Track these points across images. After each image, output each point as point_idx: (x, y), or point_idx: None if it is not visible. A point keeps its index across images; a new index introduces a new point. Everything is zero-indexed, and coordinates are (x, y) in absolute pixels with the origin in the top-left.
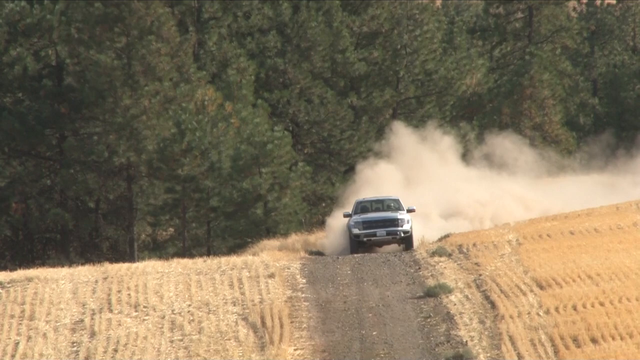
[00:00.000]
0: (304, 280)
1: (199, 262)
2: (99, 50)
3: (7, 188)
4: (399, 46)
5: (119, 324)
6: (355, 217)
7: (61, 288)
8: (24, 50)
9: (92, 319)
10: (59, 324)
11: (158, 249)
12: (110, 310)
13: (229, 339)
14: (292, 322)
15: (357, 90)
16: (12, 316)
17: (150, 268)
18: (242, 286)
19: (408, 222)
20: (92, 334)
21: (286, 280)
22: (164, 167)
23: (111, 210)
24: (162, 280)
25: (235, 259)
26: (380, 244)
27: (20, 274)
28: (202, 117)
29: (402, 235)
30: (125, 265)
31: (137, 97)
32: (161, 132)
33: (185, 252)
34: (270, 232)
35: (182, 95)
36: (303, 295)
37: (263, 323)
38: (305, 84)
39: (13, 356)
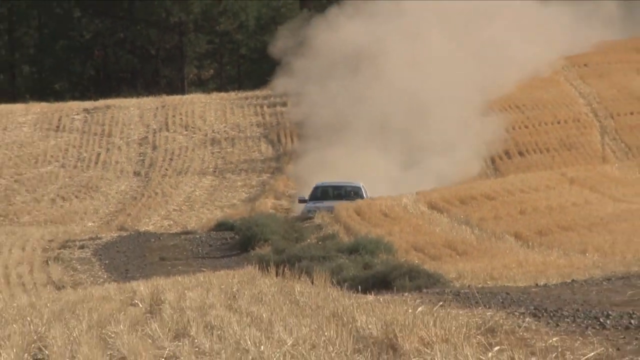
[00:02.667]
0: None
1: (232, 95)
2: None
3: (91, 39)
4: None
5: (174, 140)
6: (310, 205)
7: (131, 113)
8: None
9: (154, 136)
10: (129, 139)
11: (202, 85)
12: (167, 130)
13: (254, 151)
14: (299, 139)
15: None
16: (94, 134)
17: (196, 99)
18: (263, 113)
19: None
20: (154, 147)
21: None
22: (206, 24)
23: (168, 56)
24: (205, 108)
25: (258, 93)
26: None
27: (101, 103)
28: None
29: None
30: (178, 96)
31: None
32: None
33: (222, 88)
34: None
35: None
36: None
37: (279, 139)
38: None
39: (96, 162)
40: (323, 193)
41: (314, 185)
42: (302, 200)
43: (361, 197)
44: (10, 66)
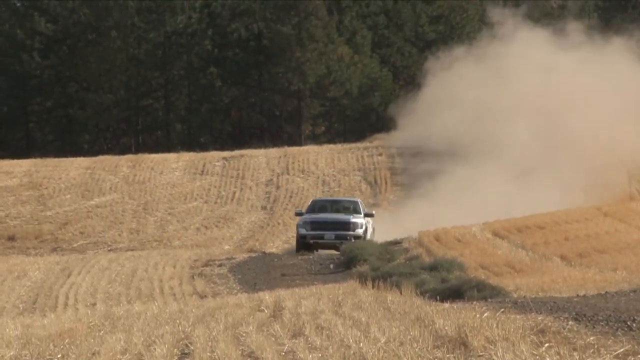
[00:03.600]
0: (400, 157)
1: (339, 146)
2: (282, 24)
3: (229, 103)
4: None
5: (293, 181)
6: (305, 217)
7: (260, 161)
8: (240, 25)
9: (278, 178)
10: (258, 181)
11: (316, 138)
12: (288, 174)
13: (356, 190)
14: (392, 181)
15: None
16: (231, 177)
17: (311, 149)
18: (363, 160)
19: (362, 226)
20: (277, 187)
21: (388, 156)
22: (319, 91)
23: (289, 116)
24: (317, 157)
25: (359, 145)
26: (328, 248)
27: (236, 152)
28: (341, 63)
29: (353, 241)
30: (297, 147)
31: (303, 52)
32: (318, 71)
33: (331, 140)
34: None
35: (330, 51)
36: (398, 166)
37: (375, 181)
38: (400, 44)
39: (232, 199)
40: (321, 208)
41: (312, 200)
42: (298, 214)
43: (359, 212)
44: (167, 124)
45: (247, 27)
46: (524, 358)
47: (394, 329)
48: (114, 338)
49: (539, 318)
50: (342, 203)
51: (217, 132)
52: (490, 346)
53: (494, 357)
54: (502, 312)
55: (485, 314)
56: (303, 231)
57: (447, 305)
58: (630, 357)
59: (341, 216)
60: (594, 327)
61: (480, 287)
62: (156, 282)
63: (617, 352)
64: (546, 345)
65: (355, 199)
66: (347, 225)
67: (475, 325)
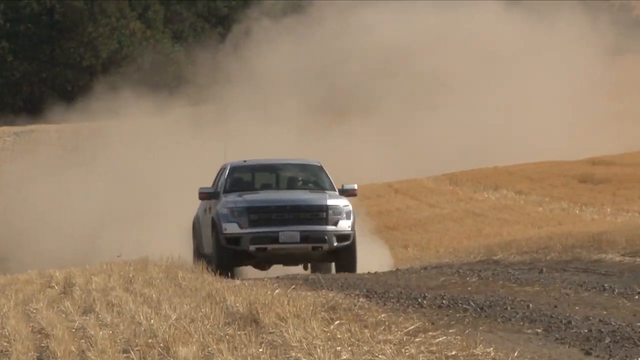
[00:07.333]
0: None
1: None
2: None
3: (20, 77)
4: None
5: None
6: (230, 199)
7: (51, 136)
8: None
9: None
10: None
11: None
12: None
13: None
14: None
15: None
16: (22, 152)
17: (103, 125)
18: None
19: (348, 214)
20: None
21: None
22: (110, 66)
23: (80, 91)
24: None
25: None
26: (289, 258)
27: (27, 127)
28: (133, 38)
29: (335, 243)
30: (88, 123)
31: (96, 27)
32: (110, 46)
33: None
34: None
35: (122, 26)
36: None
37: None
38: (192, 20)
39: None
40: (248, 183)
41: (229, 165)
42: (207, 194)
43: (329, 187)
44: None
45: (39, 1)
46: (314, 335)
47: (185, 305)
48: None
49: (330, 295)
50: (295, 169)
51: (8, 107)
52: (282, 323)
53: (285, 333)
54: (294, 289)
55: (277, 291)
56: (232, 229)
57: (238, 282)
58: (421, 333)
59: (306, 195)
60: (385, 304)
61: None
62: None
63: (408, 329)
64: (337, 322)
65: (315, 162)
66: (322, 214)
67: (267, 302)
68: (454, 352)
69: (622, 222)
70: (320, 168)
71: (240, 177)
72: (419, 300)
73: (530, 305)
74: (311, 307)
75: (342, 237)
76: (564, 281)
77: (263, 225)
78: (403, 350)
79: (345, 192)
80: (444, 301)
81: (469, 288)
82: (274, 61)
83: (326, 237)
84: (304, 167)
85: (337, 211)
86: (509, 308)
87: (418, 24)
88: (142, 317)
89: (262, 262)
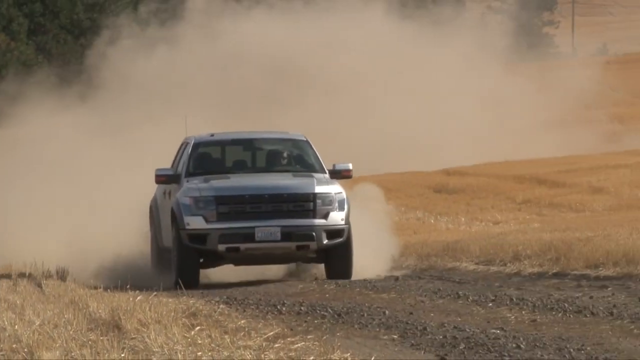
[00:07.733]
0: None
1: None
2: None
3: None
4: None
5: None
6: (194, 185)
7: None
8: None
9: None
10: None
11: None
12: None
13: None
14: None
15: None
16: None
17: None
18: None
19: (341, 204)
20: None
21: None
22: None
23: None
24: None
25: None
26: (268, 260)
27: None
28: None
29: (325, 241)
30: None
31: None
32: None
33: None
34: None
35: None
36: None
37: None
38: (56, 32)
39: None
40: (218, 161)
41: (192, 140)
42: (165, 178)
43: (319, 169)
44: None
45: None
46: (175, 340)
47: (48, 312)
48: None
49: (191, 301)
50: (276, 145)
51: None
52: (143, 329)
53: (147, 339)
54: (155, 295)
55: (138, 298)
56: (196, 223)
57: (100, 289)
58: (280, 339)
59: (289, 181)
60: (244, 311)
61: None
62: None
63: (267, 335)
64: (197, 327)
65: (301, 136)
66: (308, 204)
67: (129, 308)
68: (312, 358)
69: (476, 232)
70: (307, 143)
71: (207, 155)
72: (278, 307)
73: (387, 312)
74: (172, 313)
75: (333, 233)
76: (419, 289)
77: (235, 220)
78: (262, 355)
79: (337, 174)
80: (302, 308)
81: (327, 295)
82: (147, 68)
83: (314, 234)
84: (286, 143)
85: (327, 200)
86: (365, 315)
87: (305, 32)
88: (6, 323)
89: (235, 264)
